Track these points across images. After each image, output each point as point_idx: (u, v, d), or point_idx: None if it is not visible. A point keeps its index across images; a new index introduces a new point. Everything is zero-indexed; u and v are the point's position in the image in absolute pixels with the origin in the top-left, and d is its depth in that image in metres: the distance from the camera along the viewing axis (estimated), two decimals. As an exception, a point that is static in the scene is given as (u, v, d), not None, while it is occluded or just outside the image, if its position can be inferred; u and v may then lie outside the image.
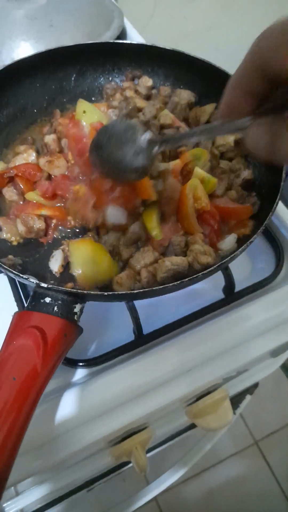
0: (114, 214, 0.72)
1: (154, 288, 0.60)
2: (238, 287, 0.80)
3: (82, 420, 0.67)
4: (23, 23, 1.02)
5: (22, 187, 0.79)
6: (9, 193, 0.80)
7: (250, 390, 1.09)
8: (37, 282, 0.58)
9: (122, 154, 0.62)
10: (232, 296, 0.79)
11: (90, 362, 0.71)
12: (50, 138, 0.84)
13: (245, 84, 0.41)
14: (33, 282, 0.59)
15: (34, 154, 0.83)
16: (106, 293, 0.60)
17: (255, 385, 1.11)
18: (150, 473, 0.86)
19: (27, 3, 1.06)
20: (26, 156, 0.82)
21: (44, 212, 0.77)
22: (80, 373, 0.73)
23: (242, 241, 0.74)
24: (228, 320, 0.76)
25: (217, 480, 2.01)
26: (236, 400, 1.09)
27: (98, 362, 0.71)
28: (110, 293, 0.60)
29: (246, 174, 0.81)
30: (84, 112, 0.85)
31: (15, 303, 0.75)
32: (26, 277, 0.59)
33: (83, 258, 0.71)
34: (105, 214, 0.72)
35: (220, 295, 0.80)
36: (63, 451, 0.66)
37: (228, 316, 0.76)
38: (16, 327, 0.57)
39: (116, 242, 0.74)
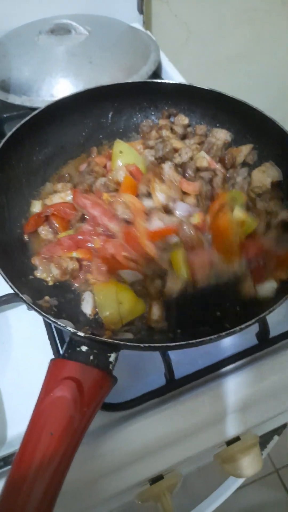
0: (130, 274, 0.73)
1: (190, 342, 0.59)
2: (273, 332, 0.78)
3: (109, 468, 0.66)
4: (63, 59, 1.04)
5: (57, 226, 0.81)
6: (45, 231, 0.81)
7: (279, 431, 1.07)
8: (74, 330, 0.59)
9: None
10: (266, 343, 0.78)
11: (119, 407, 0.70)
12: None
13: None
14: (70, 331, 0.59)
15: (70, 193, 0.84)
16: (142, 345, 0.59)
17: (284, 426, 1.08)
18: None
19: (68, 40, 1.09)
20: (63, 195, 0.84)
21: (75, 254, 0.77)
22: (108, 416, 0.72)
23: (279, 288, 0.73)
24: (262, 368, 0.74)
25: (236, 508, 1.95)
26: (263, 441, 1.06)
27: (128, 407, 0.71)
28: (147, 345, 0.60)
29: (284, 215, 0.80)
30: (121, 152, 0.86)
31: (47, 339, 0.76)
32: (64, 325, 0.59)
33: (107, 300, 0.72)
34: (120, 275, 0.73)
35: (253, 340, 0.79)
36: (88, 500, 0.65)
37: (262, 364, 0.75)
38: (53, 377, 0.57)
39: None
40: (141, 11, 1.39)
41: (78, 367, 0.57)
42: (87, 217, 0.81)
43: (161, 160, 0.85)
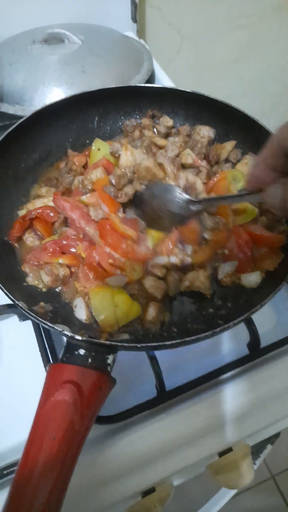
0: (115, 280, 0.73)
1: (186, 339, 0.60)
2: (263, 342, 0.78)
3: (100, 481, 0.66)
4: (56, 68, 1.05)
5: (41, 232, 0.81)
6: (31, 238, 0.81)
7: (271, 440, 1.06)
8: (72, 334, 0.59)
9: (164, 210, 0.74)
10: (257, 353, 0.78)
11: (110, 419, 0.70)
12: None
13: (269, 161, 0.51)
14: (67, 335, 0.59)
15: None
16: (139, 345, 0.60)
17: (277, 435, 1.07)
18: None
19: (61, 49, 1.09)
20: (46, 200, 0.84)
21: (62, 260, 0.77)
22: (98, 429, 0.71)
23: (265, 281, 0.74)
24: (254, 378, 0.74)
25: (232, 515, 1.95)
26: (256, 451, 1.05)
27: (118, 419, 0.70)
28: (144, 345, 0.60)
29: None
30: (99, 149, 0.88)
31: (37, 349, 0.76)
32: (61, 330, 0.60)
33: (103, 303, 0.72)
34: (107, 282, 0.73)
35: (245, 350, 0.79)
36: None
37: (254, 374, 0.75)
38: (52, 381, 0.57)
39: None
40: (135, 19, 1.40)
41: (77, 370, 0.57)
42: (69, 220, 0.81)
43: (145, 152, 0.86)
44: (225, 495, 1.11)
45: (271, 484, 2.05)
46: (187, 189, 0.76)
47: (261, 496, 2.01)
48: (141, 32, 1.51)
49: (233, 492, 1.09)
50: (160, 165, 0.78)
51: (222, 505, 1.07)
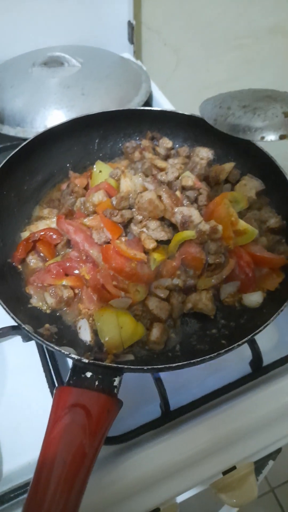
0: (119, 302, 0.74)
1: (191, 361, 0.61)
2: (266, 360, 0.79)
3: (104, 502, 0.66)
4: (57, 91, 1.07)
5: (44, 254, 0.82)
6: (34, 260, 0.82)
7: (273, 456, 1.06)
8: (78, 357, 0.59)
9: None
10: (260, 371, 0.79)
11: (115, 440, 0.70)
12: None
13: None
14: (74, 358, 0.60)
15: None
16: (145, 367, 0.61)
17: (278, 451, 1.08)
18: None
19: (61, 72, 1.11)
20: (48, 222, 0.86)
21: (65, 282, 0.78)
22: (103, 450, 0.71)
23: (267, 300, 0.76)
24: (257, 396, 0.75)
25: (233, 529, 1.92)
26: (258, 466, 1.05)
27: (123, 440, 0.71)
28: (150, 367, 0.61)
29: (272, 222, 0.83)
30: (100, 171, 0.90)
31: (41, 370, 0.77)
32: (68, 353, 0.60)
33: (108, 325, 0.72)
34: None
35: (247, 369, 0.80)
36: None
37: (257, 393, 0.75)
38: (60, 404, 0.57)
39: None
40: (131, 41, 1.43)
41: (84, 394, 0.58)
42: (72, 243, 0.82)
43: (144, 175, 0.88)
44: (228, 512, 1.11)
45: (271, 497, 2.03)
46: (184, 223, 0.78)
47: (261, 510, 1.99)
48: (137, 53, 1.55)
49: (235, 509, 1.09)
50: (160, 197, 0.79)
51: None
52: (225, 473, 0.81)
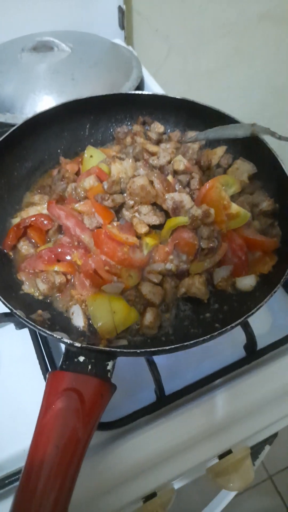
0: (111, 287, 0.73)
1: (184, 344, 0.60)
2: (260, 343, 0.79)
3: (100, 487, 0.66)
4: (46, 77, 1.05)
5: (36, 240, 0.81)
6: (25, 247, 0.81)
7: (270, 440, 1.07)
8: (71, 342, 0.58)
9: None
10: (254, 355, 0.78)
11: (110, 425, 0.70)
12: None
13: None
14: (67, 342, 0.59)
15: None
16: (138, 351, 0.60)
17: (275, 435, 1.08)
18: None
19: (50, 57, 1.09)
20: (39, 208, 0.84)
21: (57, 268, 0.77)
22: (98, 435, 0.71)
23: (260, 284, 0.75)
24: (251, 380, 0.75)
25: (230, 516, 1.94)
26: (255, 451, 1.06)
27: (119, 425, 0.70)
28: (143, 350, 0.60)
29: (264, 205, 0.82)
30: (91, 156, 0.89)
31: (35, 358, 0.76)
32: (60, 337, 0.59)
33: (100, 310, 0.72)
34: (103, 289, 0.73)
35: (242, 353, 0.80)
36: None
37: (251, 376, 0.75)
38: (53, 389, 0.56)
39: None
40: (122, 26, 1.41)
41: (77, 378, 0.57)
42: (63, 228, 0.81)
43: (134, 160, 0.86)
44: (224, 498, 1.11)
45: (269, 484, 2.05)
46: (176, 209, 0.77)
47: (259, 497, 2.01)
48: (128, 39, 1.53)
49: (232, 494, 1.09)
50: (152, 182, 0.78)
51: (222, 508, 1.07)
52: (221, 457, 0.81)
